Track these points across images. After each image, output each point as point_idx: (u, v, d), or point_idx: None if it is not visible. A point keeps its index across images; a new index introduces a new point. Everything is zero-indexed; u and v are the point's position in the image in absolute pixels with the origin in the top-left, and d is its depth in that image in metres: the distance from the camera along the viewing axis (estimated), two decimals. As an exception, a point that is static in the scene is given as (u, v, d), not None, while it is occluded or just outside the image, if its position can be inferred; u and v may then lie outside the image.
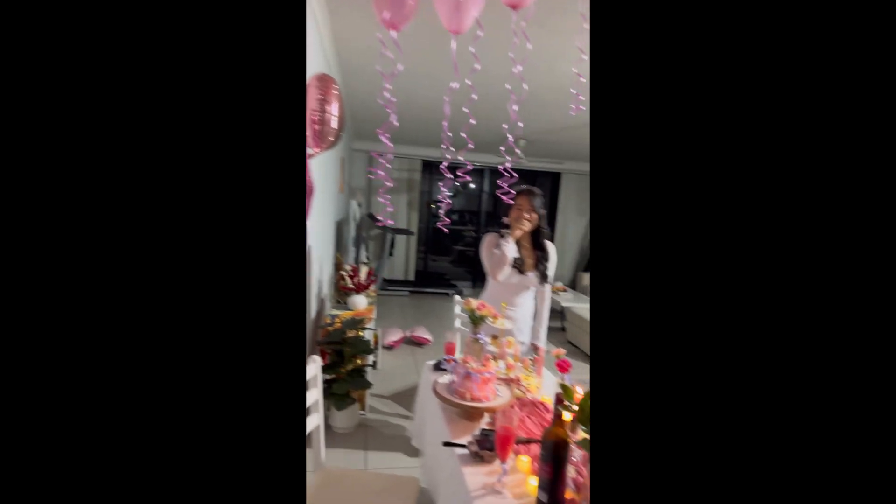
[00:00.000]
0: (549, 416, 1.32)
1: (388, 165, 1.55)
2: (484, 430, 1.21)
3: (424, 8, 1.75)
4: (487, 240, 1.86)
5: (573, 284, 6.30)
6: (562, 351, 1.50)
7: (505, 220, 1.80)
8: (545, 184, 6.94)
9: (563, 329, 4.60)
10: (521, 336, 1.90)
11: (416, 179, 6.05)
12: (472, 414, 1.27)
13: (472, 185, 6.97)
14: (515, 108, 1.49)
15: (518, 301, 1.89)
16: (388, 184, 1.49)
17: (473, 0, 1.39)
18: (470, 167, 1.55)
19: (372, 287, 2.80)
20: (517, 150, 1.71)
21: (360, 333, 2.28)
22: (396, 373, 3.10)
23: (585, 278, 5.77)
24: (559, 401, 0.90)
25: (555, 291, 4.88)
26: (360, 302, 2.51)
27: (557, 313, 5.26)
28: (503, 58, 2.39)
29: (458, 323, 2.62)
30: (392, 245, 5.71)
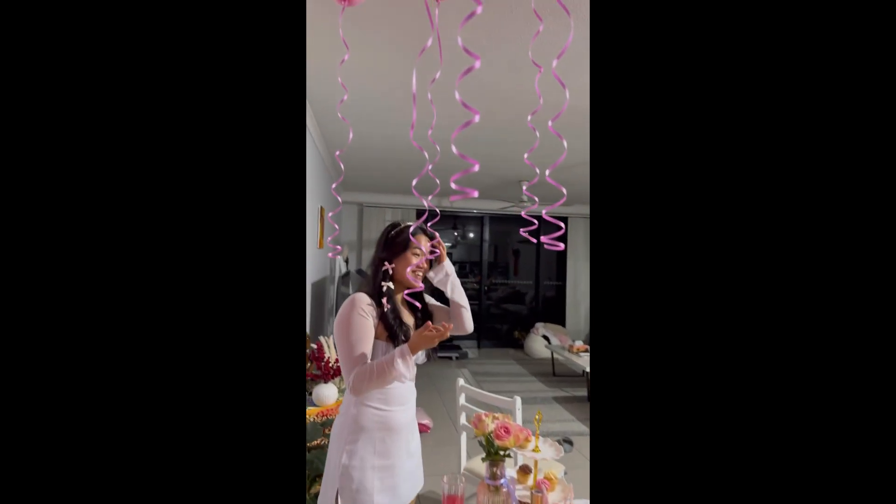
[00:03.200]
0: None
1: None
2: None
3: (410, 44, 1.29)
4: (355, 305, 1.09)
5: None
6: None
7: (388, 266, 1.14)
8: (550, 230, 6.44)
9: (590, 399, 3.84)
10: None
11: (410, 230, 5.54)
12: None
13: (472, 235, 6.46)
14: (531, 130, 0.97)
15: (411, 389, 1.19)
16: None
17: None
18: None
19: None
20: (525, 193, 1.08)
21: (327, 442, 1.61)
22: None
23: (605, 333, 5.07)
24: None
25: (575, 352, 4.17)
26: (327, 394, 1.85)
27: (579, 378, 4.50)
28: (502, 94, 1.95)
29: (463, 418, 1.96)
30: (385, 304, 5.07)
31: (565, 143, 1.14)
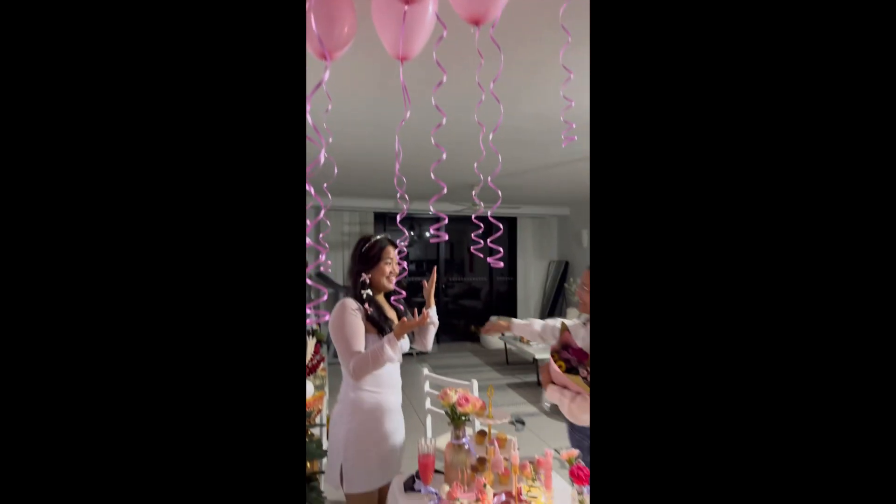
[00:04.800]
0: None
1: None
2: None
3: (373, 52, 1.51)
4: (346, 308, 1.34)
5: (541, 330, 6.03)
6: (574, 452, 1.15)
7: (366, 277, 1.41)
8: (496, 228, 6.82)
9: (539, 384, 4.24)
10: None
11: (368, 233, 5.70)
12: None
13: (428, 234, 6.71)
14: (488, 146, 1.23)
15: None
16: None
17: (420, 22, 1.13)
18: (444, 219, 1.24)
19: (321, 366, 2.34)
20: (475, 198, 1.43)
21: (309, 433, 1.81)
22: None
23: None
24: None
25: (523, 342, 4.56)
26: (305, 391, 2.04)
27: (530, 365, 4.91)
28: (456, 97, 2.19)
29: (428, 403, 2.21)
30: (346, 305, 5.18)
31: (500, 157, 1.43)
